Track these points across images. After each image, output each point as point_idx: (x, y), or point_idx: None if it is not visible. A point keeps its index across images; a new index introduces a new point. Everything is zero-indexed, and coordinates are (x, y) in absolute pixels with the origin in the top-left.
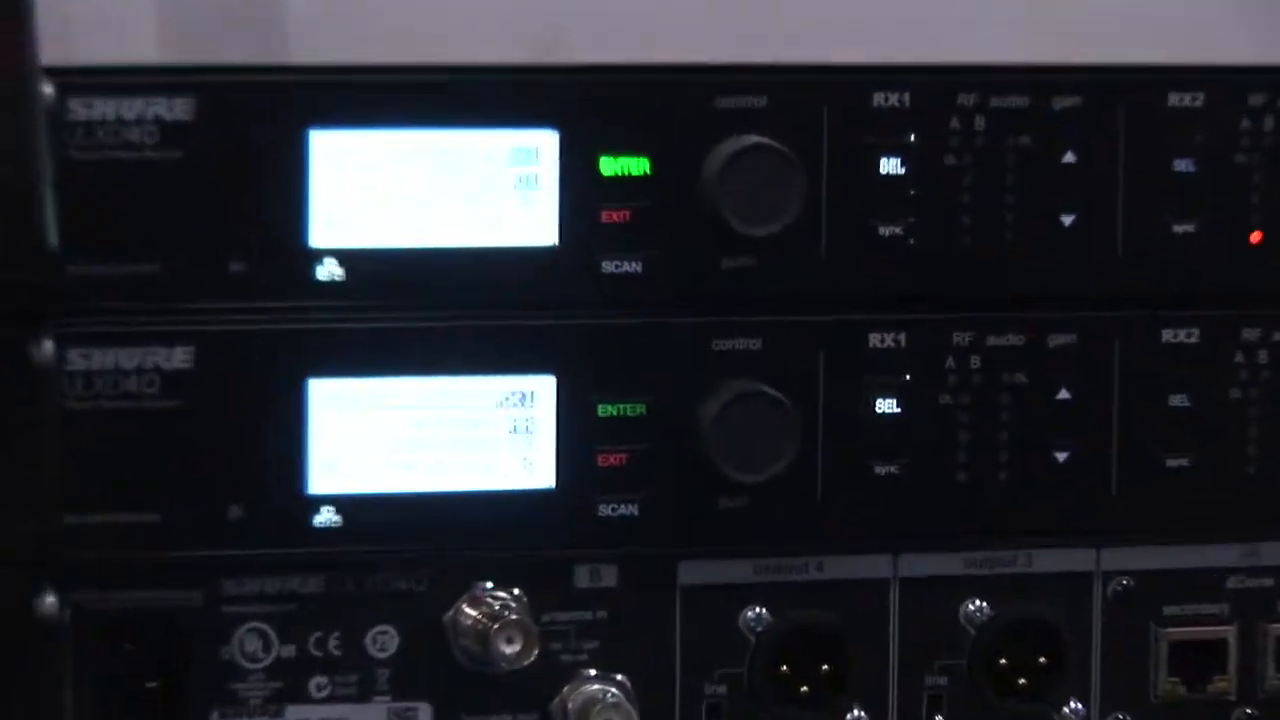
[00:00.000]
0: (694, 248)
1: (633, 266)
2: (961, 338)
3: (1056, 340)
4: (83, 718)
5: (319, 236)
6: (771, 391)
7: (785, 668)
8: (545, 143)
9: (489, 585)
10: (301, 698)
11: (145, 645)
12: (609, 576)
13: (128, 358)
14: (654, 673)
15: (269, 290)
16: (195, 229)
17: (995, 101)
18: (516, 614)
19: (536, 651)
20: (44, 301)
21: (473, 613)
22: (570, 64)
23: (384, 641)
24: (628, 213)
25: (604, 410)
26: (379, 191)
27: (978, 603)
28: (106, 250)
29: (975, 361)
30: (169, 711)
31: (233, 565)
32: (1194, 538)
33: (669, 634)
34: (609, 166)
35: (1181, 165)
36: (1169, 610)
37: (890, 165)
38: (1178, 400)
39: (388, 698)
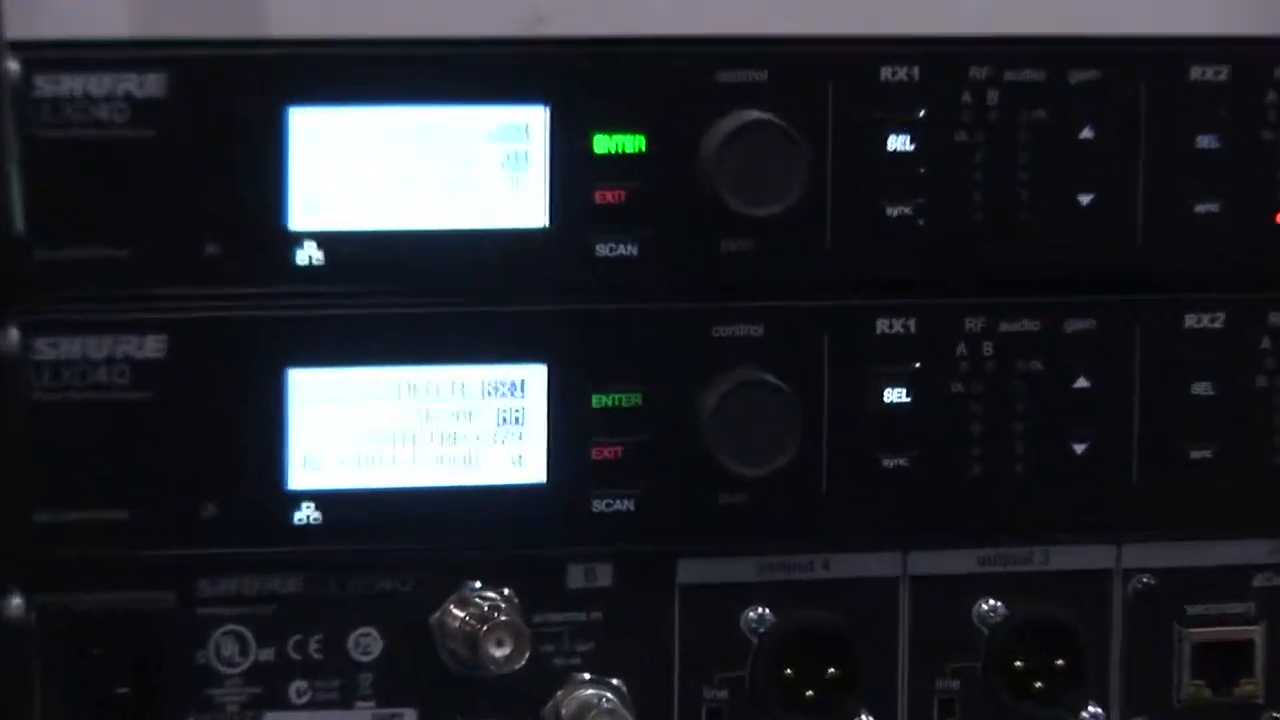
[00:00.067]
0: (692, 229)
1: (627, 249)
2: (974, 323)
3: (1074, 326)
4: None
5: (298, 219)
6: (774, 380)
7: (789, 671)
8: (535, 119)
9: (478, 585)
10: (281, 704)
11: (116, 649)
12: (604, 575)
13: (97, 347)
14: (651, 676)
15: (246, 275)
16: (168, 211)
17: (1009, 75)
18: (507, 615)
19: (528, 655)
20: (9, 288)
21: (461, 614)
22: (561, 36)
23: (367, 644)
24: (622, 193)
25: (598, 401)
26: (361, 171)
27: (991, 602)
28: (75, 234)
29: (988, 348)
30: (141, 718)
31: (208, 564)
32: (1219, 533)
33: (667, 636)
34: (602, 144)
35: (1205, 141)
36: (1193, 609)
37: (898, 142)
38: (1201, 388)
39: (371, 703)
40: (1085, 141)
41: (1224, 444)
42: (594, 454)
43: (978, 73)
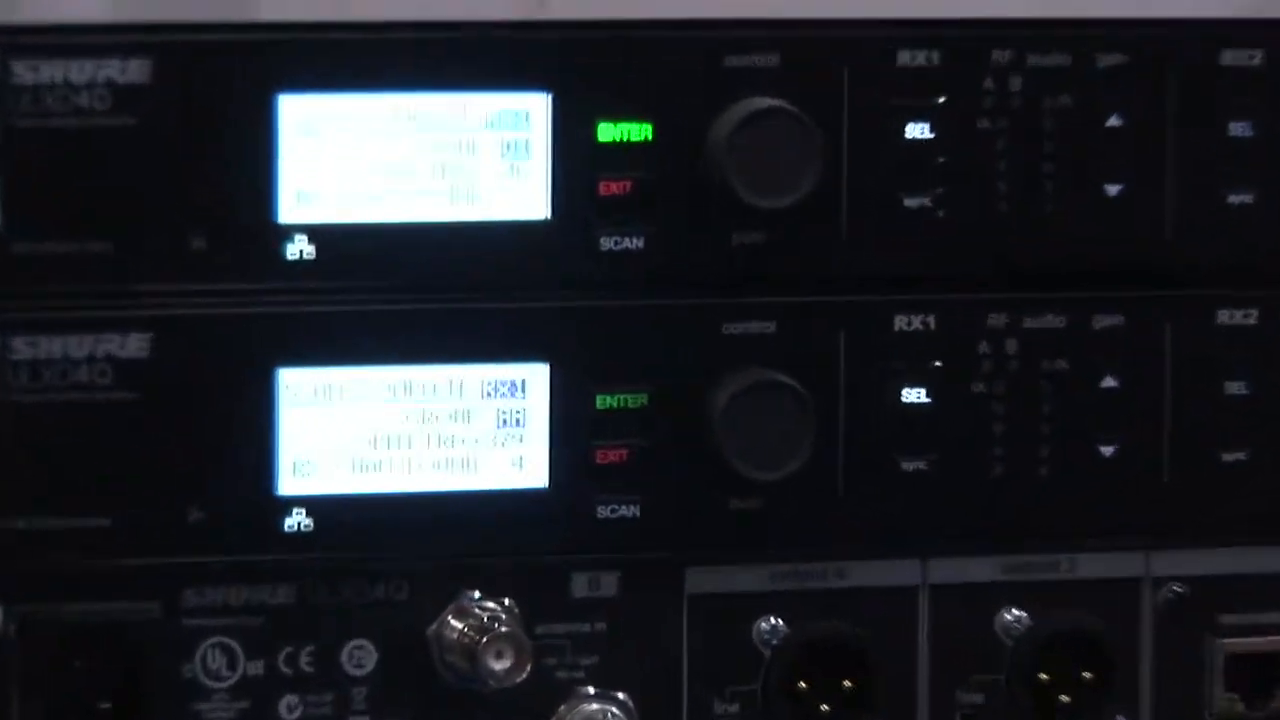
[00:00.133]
0: (700, 222)
1: (633, 243)
2: (996, 320)
3: (1101, 322)
4: None
5: (288, 211)
6: (787, 380)
7: (803, 684)
8: (536, 106)
9: (476, 595)
10: (270, 719)
11: (98, 661)
12: (609, 584)
13: (78, 345)
14: (658, 690)
15: (234, 271)
16: (152, 203)
17: (1033, 59)
18: (507, 626)
19: (529, 667)
20: None
21: (459, 625)
22: (563, 19)
23: (361, 657)
24: (627, 183)
25: (602, 401)
26: (354, 162)
27: (1015, 612)
28: (54, 227)
29: (1012, 346)
30: None
31: (194, 574)
32: (1253, 539)
33: (675, 647)
34: (607, 132)
35: (1237, 129)
36: (1226, 619)
37: (917, 130)
38: (1235, 388)
39: (365, 719)
40: (1112, 129)
41: (1258, 445)
42: (598, 457)
43: (1000, 57)
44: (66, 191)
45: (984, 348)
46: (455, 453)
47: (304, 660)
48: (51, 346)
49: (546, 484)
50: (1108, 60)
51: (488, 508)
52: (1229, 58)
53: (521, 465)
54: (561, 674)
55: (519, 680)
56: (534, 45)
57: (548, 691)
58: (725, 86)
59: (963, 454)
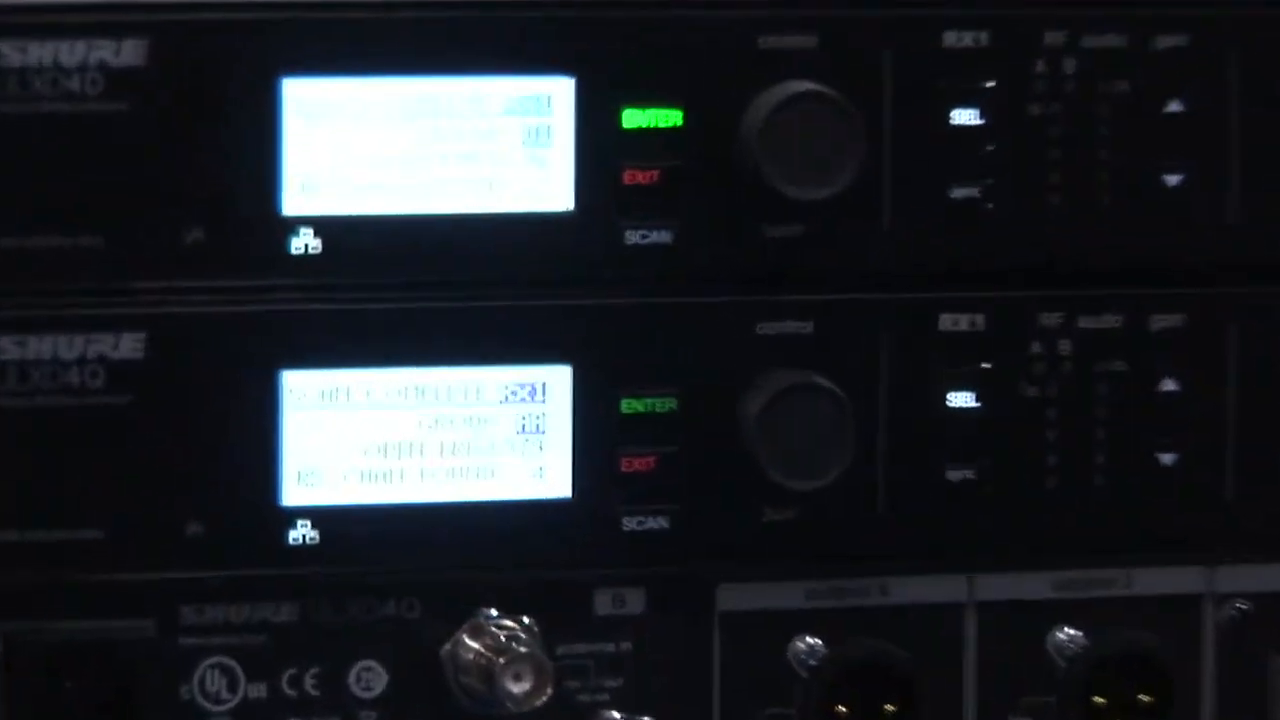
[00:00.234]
0: (733, 214)
1: (661, 236)
2: (1049, 319)
3: (1160, 322)
4: None
5: (293, 202)
6: (825, 383)
7: (842, 708)
8: (559, 90)
9: (493, 613)
10: None
11: (89, 683)
12: (635, 601)
13: (68, 346)
14: (688, 714)
15: (234, 266)
16: (147, 194)
17: (1087, 41)
18: (526, 646)
19: (550, 690)
20: None
21: (475, 645)
22: None
23: (370, 679)
24: (655, 173)
25: (628, 406)
26: (363, 150)
27: (1069, 631)
28: (43, 220)
29: (1065, 347)
30: None
31: (192, 589)
32: None
33: (705, 669)
34: (633, 118)
35: None
36: None
37: (964, 116)
38: None
39: None
40: (1172, 115)
41: None
42: (623, 465)
43: (1053, 38)
44: (56, 182)
45: (1035, 348)
46: (471, 461)
47: (309, 682)
48: (40, 347)
49: (568, 494)
50: (1167, 41)
51: (506, 519)
52: None
53: (542, 474)
54: (584, 697)
55: (539, 704)
56: (556, 25)
57: (569, 716)
58: (759, 69)
59: (1012, 462)
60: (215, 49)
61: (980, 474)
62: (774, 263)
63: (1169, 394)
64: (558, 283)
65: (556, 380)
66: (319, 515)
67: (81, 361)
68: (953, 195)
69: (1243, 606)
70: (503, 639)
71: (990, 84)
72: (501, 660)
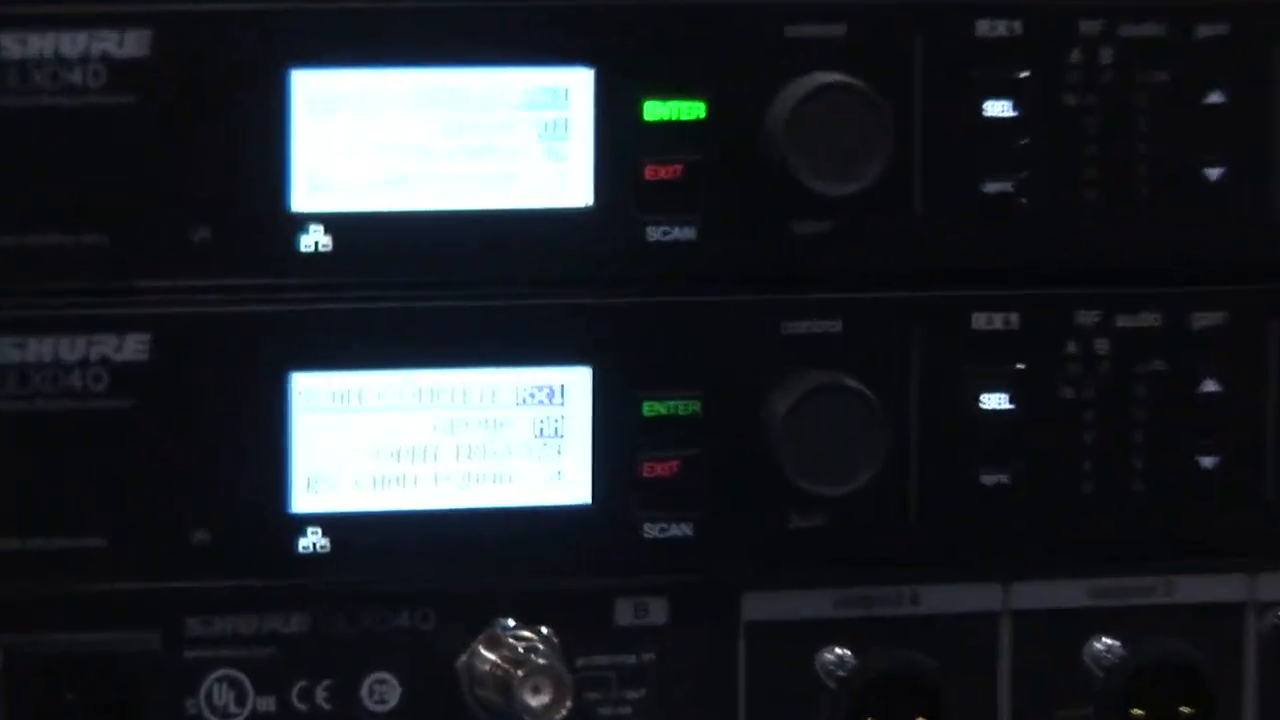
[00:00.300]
0: (758, 209)
1: (684, 233)
2: (1085, 317)
3: (1201, 320)
4: None
5: (302, 199)
6: (854, 384)
7: None
8: (577, 82)
9: (511, 623)
10: None
11: (92, 696)
12: (657, 611)
13: (70, 348)
14: None
15: (241, 265)
16: (151, 191)
17: (1125, 30)
18: (544, 658)
19: (569, 704)
20: None
21: (491, 656)
22: None
23: (383, 692)
24: (677, 167)
25: (650, 408)
26: (374, 144)
27: (1106, 641)
28: (43, 217)
29: (1102, 346)
30: None
31: (198, 599)
32: None
33: (730, 680)
34: (655, 111)
35: None
36: None
37: (998, 107)
38: None
39: None
40: (1213, 107)
41: None
42: (645, 470)
43: (1089, 27)
44: (57, 177)
45: (1071, 348)
46: (487, 466)
47: (320, 696)
48: (41, 349)
49: (588, 500)
50: (1207, 30)
51: (523, 526)
52: None
53: (560, 479)
54: (605, 710)
55: (558, 718)
56: (574, 14)
57: None
58: (786, 60)
59: (1048, 466)
60: (221, 39)
61: (1014, 478)
62: (800, 260)
63: (1210, 395)
64: (577, 281)
65: (575, 382)
66: (330, 522)
67: (84, 364)
68: (985, 189)
69: None
70: (520, 650)
71: (1024, 74)
72: (519, 672)
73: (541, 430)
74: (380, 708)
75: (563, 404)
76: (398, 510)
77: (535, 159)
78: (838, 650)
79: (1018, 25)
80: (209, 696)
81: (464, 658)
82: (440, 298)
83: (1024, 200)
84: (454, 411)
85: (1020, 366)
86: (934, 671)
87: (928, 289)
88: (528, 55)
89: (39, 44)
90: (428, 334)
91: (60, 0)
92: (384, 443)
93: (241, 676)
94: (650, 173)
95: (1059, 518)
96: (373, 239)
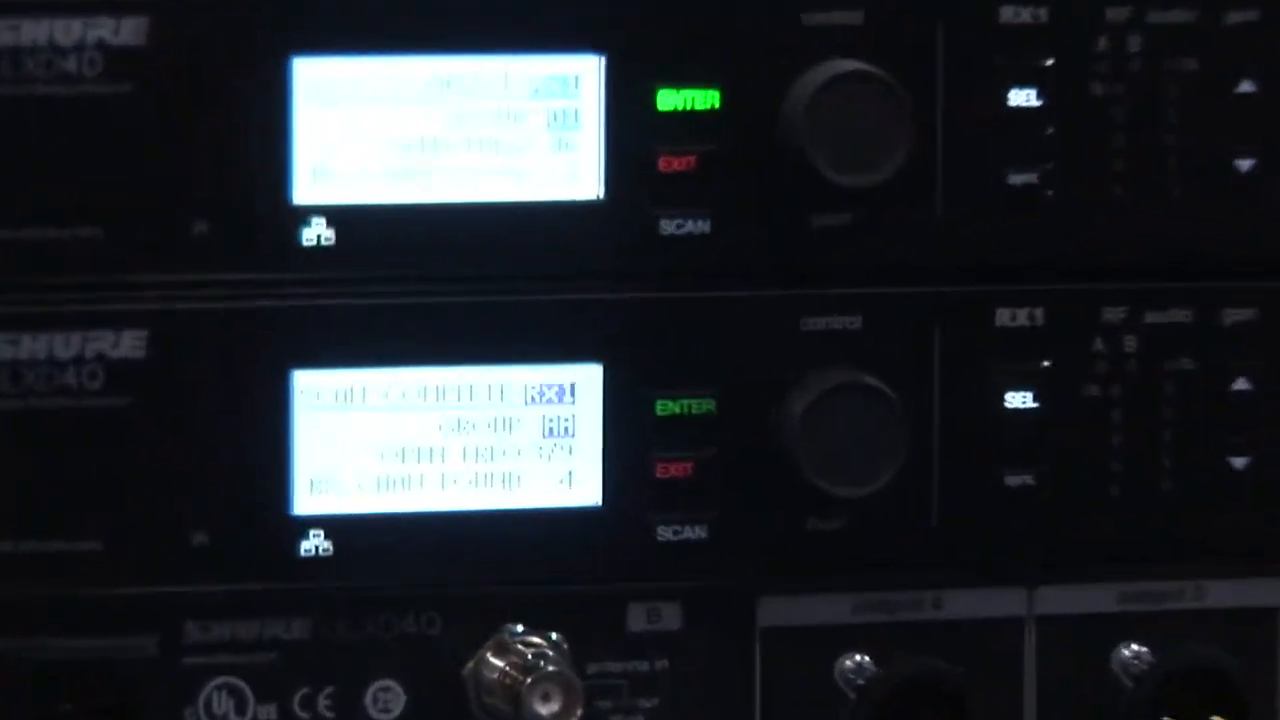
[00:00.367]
0: (775, 202)
1: (698, 226)
2: (1113, 314)
3: (1232, 316)
4: None
5: (304, 191)
6: (874, 382)
7: None
8: (587, 70)
9: (519, 628)
10: None
11: (88, 704)
12: (670, 616)
13: (65, 345)
14: None
15: (241, 259)
16: (149, 183)
17: (1153, 16)
18: (554, 664)
19: (580, 712)
20: None
21: (499, 663)
22: None
23: (388, 700)
24: (691, 158)
25: (663, 407)
26: (378, 135)
27: (1135, 647)
28: (37, 210)
29: (1130, 343)
30: None
31: (197, 604)
32: None
33: (746, 688)
34: (667, 100)
35: None
36: None
37: (1022, 96)
38: None
39: None
40: (1244, 96)
41: None
42: (658, 471)
43: (1116, 14)
44: (51, 169)
45: (1098, 345)
46: (495, 467)
47: (322, 704)
48: (35, 345)
49: (599, 502)
50: (1238, 16)
51: (532, 529)
52: None
53: (571, 481)
54: (617, 718)
55: None
56: (585, 1)
57: None
58: (803, 47)
59: (1074, 467)
60: (221, 26)
61: (1039, 479)
62: (818, 254)
63: (1241, 393)
64: (587, 276)
65: (586, 380)
66: (333, 525)
67: (79, 361)
68: (1010, 181)
69: None
70: (529, 657)
71: (1049, 62)
72: (528, 680)
73: (551, 430)
74: (385, 716)
75: (573, 403)
76: (402, 512)
77: (544, 150)
78: (857, 657)
79: (1043, 12)
80: (208, 705)
81: (471, 664)
82: (446, 293)
83: (1049, 192)
84: (460, 410)
85: (1045, 364)
86: (957, 679)
87: (950, 284)
88: (536, 42)
89: (33, 31)
90: (433, 330)
91: None
92: (388, 442)
93: (241, 684)
94: (664, 164)
95: (1086, 520)
96: (376, 232)
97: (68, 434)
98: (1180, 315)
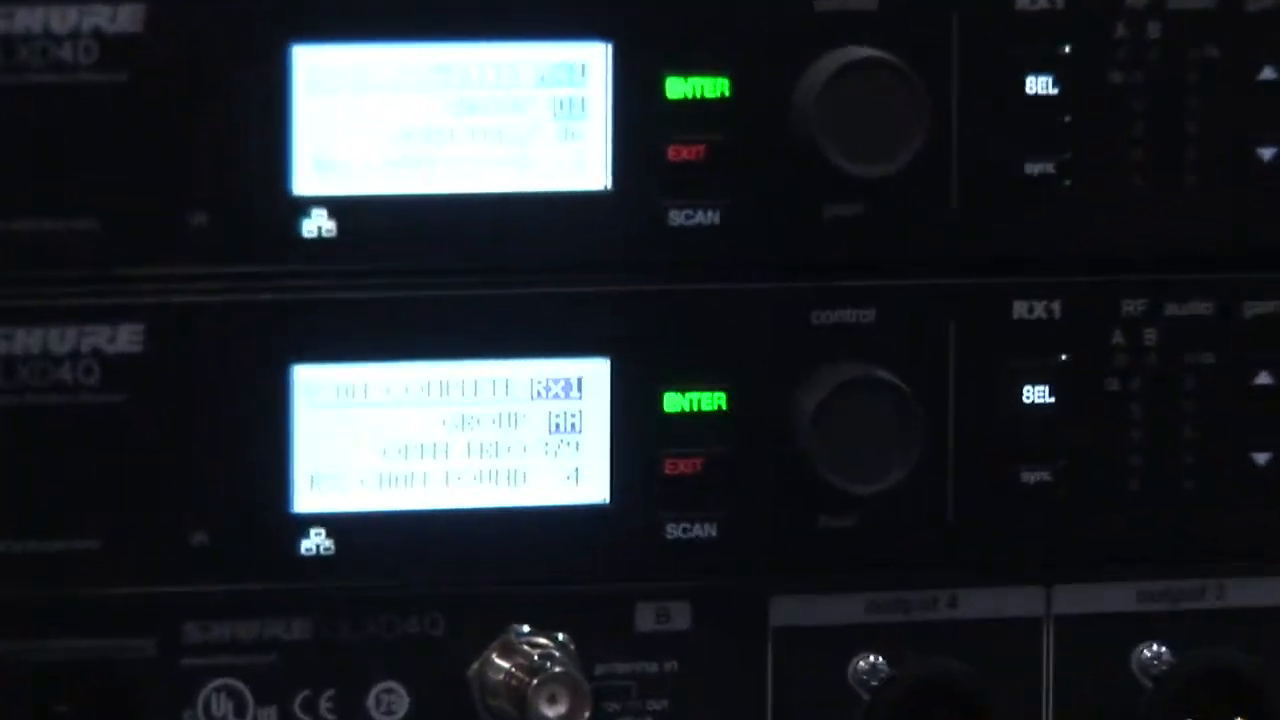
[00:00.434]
0: (787, 192)
1: (708, 217)
2: (1132, 306)
3: (1254, 309)
4: None
5: (304, 181)
6: (888, 377)
7: None
8: (594, 58)
9: (525, 629)
10: None
11: (84, 706)
12: (680, 616)
13: (60, 339)
14: None
15: (241, 251)
16: (145, 173)
17: (1173, 2)
18: (561, 665)
19: (587, 713)
20: None
21: (505, 664)
22: None
23: (391, 702)
24: (700, 148)
25: (672, 402)
26: (381, 124)
27: (1155, 648)
28: (32, 202)
29: (1149, 337)
30: None
31: (196, 604)
32: None
33: (757, 689)
34: (676, 88)
35: None
36: None
37: (1039, 84)
38: None
39: None
40: (1266, 84)
41: None
42: (667, 468)
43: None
44: (46, 159)
45: (1117, 338)
46: (500, 463)
47: (324, 706)
48: (29, 340)
49: (607, 499)
50: (1260, 3)
51: (538, 527)
52: None
53: (577, 478)
54: None
55: None
56: None
57: None
58: (815, 34)
59: (1092, 463)
60: (219, 13)
61: (1057, 475)
62: (831, 245)
63: (1264, 387)
64: (594, 268)
65: (593, 374)
66: (334, 523)
67: (74, 356)
68: (1026, 171)
69: None
70: (535, 658)
71: (1067, 49)
72: (534, 681)
73: (558, 425)
74: (387, 719)
75: (580, 398)
76: (406, 510)
77: (550, 139)
78: (871, 658)
79: None
80: (207, 707)
81: (476, 666)
82: (450, 286)
83: (1067, 182)
84: (465, 406)
85: (1063, 358)
86: (973, 680)
87: (966, 276)
88: (541, 29)
89: (27, 18)
90: (437, 324)
91: None
92: (391, 439)
93: (241, 686)
94: (673, 154)
95: (1104, 517)
96: (379, 224)
97: (63, 431)
98: (1201, 308)
